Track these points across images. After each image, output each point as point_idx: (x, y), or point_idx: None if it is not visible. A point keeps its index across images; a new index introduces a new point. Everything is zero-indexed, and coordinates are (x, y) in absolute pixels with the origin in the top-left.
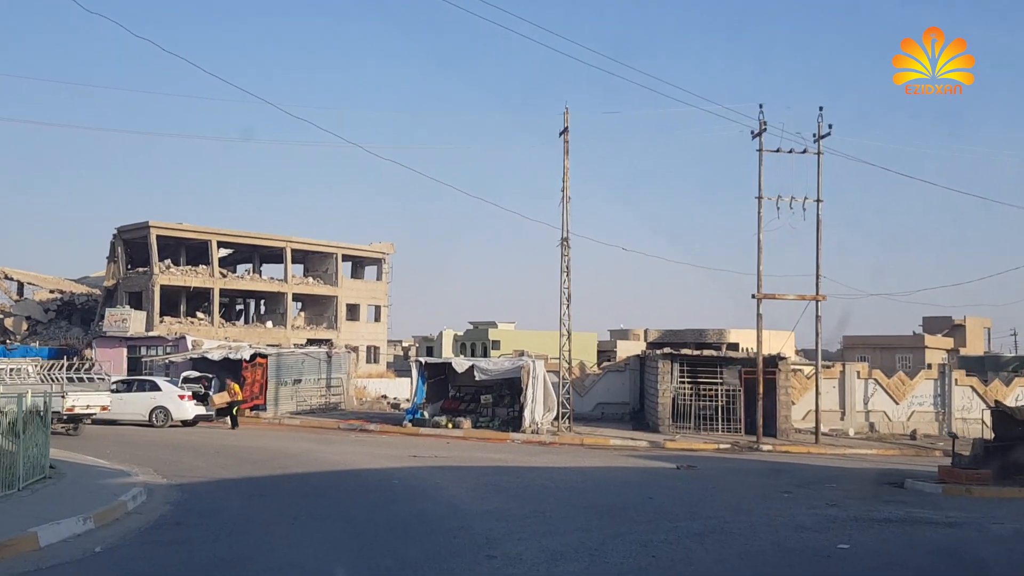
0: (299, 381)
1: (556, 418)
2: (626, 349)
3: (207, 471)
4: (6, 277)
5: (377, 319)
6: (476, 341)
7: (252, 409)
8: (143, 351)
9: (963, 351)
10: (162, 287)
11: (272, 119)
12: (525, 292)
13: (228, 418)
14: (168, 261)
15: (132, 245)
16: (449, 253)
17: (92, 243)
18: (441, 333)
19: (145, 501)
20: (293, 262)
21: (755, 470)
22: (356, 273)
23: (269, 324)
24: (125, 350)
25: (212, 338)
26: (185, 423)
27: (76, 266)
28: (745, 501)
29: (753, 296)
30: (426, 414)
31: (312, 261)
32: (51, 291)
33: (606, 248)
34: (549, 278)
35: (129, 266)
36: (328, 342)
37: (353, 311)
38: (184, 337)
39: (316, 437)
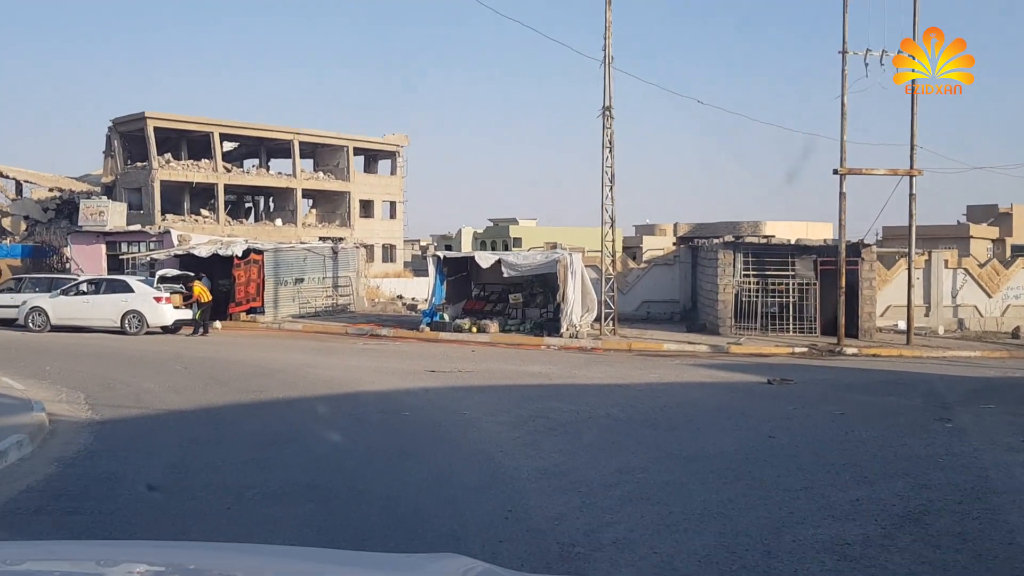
0: (301, 280)
1: (597, 319)
2: (652, 245)
3: (155, 397)
4: (2, 175)
5: (392, 216)
6: (497, 239)
7: (248, 312)
8: (124, 248)
9: (1010, 240)
10: (163, 183)
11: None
12: (547, 188)
13: (193, 325)
14: (168, 155)
15: (129, 139)
16: (466, 146)
17: (93, 140)
18: (460, 231)
19: (29, 455)
20: (302, 156)
21: (863, 383)
22: (369, 167)
23: (279, 222)
24: (104, 247)
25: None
26: (165, 330)
27: (77, 164)
28: (910, 438)
29: (835, 171)
30: (446, 316)
31: (322, 155)
32: (50, 189)
33: (632, 137)
34: (572, 171)
35: (129, 162)
36: (340, 240)
37: (367, 208)
38: (168, 232)
39: (317, 345)
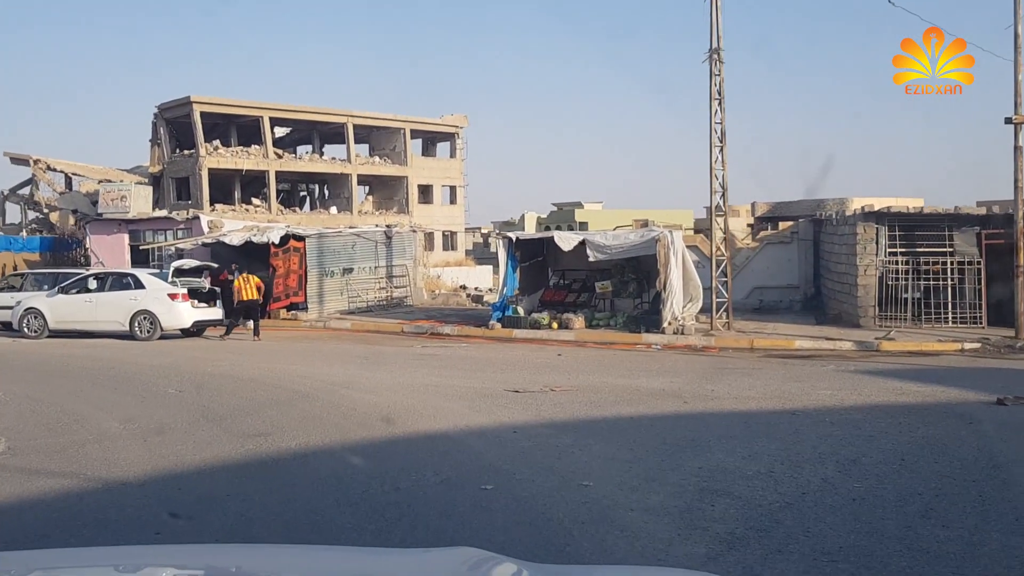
0: (350, 271)
1: (702, 310)
2: (731, 228)
3: (106, 449)
4: (49, 168)
5: (453, 201)
6: (562, 223)
7: (289, 309)
8: (148, 237)
9: None
10: (211, 171)
11: None
12: (611, 170)
13: (224, 325)
14: (217, 142)
15: (176, 126)
16: (527, 127)
17: (143, 130)
18: (523, 216)
19: None
20: (357, 141)
21: None
22: (427, 151)
23: (333, 210)
24: (126, 236)
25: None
26: (185, 333)
27: (128, 155)
28: None
29: (1008, 120)
30: (520, 310)
31: (377, 139)
32: (99, 182)
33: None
34: (636, 152)
35: (177, 150)
36: (394, 225)
37: (426, 193)
38: (198, 218)
39: (364, 351)
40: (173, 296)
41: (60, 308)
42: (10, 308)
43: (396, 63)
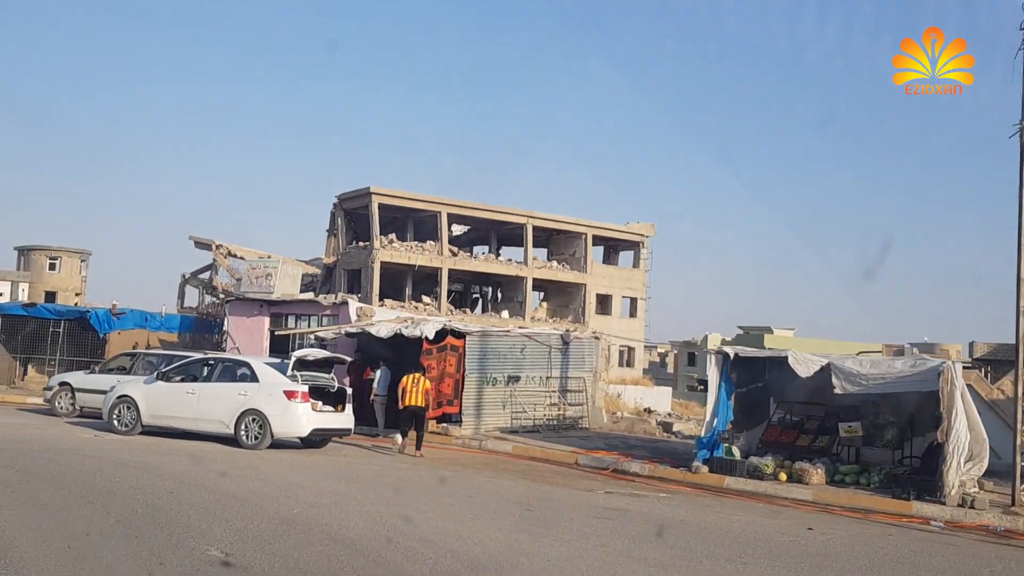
0: (516, 380)
1: (988, 474)
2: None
3: None
4: (230, 254)
5: (633, 314)
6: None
7: (439, 420)
8: (290, 322)
9: None
10: (384, 265)
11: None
12: (803, 295)
13: (399, 436)
14: (393, 236)
15: (354, 217)
16: (713, 241)
17: (322, 222)
18: (706, 337)
19: None
20: (535, 245)
21: None
22: (608, 258)
23: (505, 314)
24: (267, 319)
25: None
26: (306, 443)
27: (309, 247)
28: None
29: None
30: (736, 451)
31: (557, 243)
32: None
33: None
34: (829, 279)
35: (354, 242)
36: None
37: (604, 303)
38: (346, 303)
39: (529, 492)
40: (290, 394)
41: (157, 399)
42: (101, 392)
43: (582, 165)
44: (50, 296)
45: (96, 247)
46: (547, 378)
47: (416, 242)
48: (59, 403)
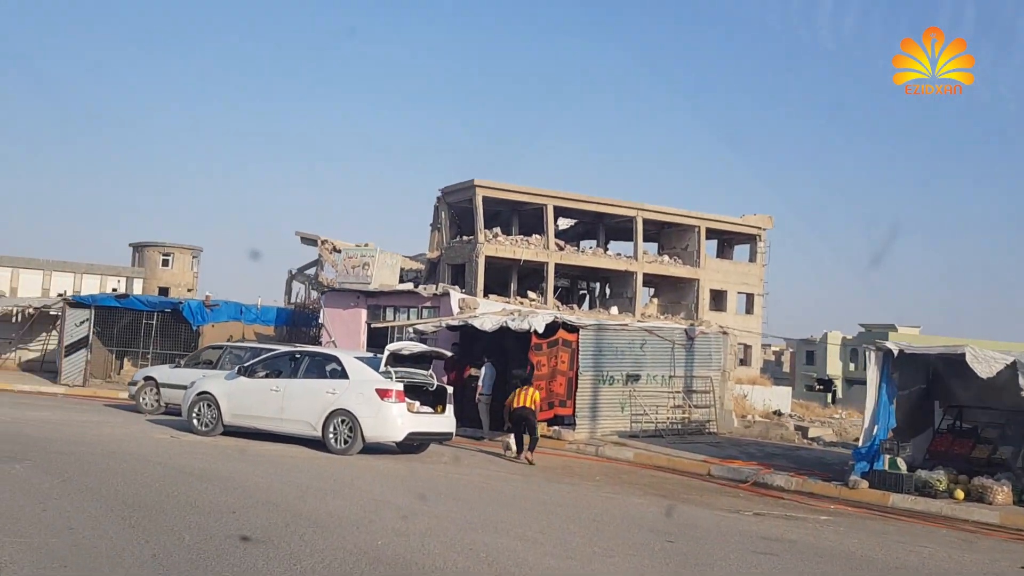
0: (636, 379)
1: None
2: None
3: None
4: (335, 250)
5: (749, 311)
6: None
7: (550, 423)
8: (388, 315)
9: None
10: (488, 260)
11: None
12: (928, 291)
13: (512, 440)
14: (497, 230)
15: (458, 211)
16: (837, 234)
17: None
18: (825, 335)
19: None
20: (645, 239)
21: None
22: (722, 252)
23: (614, 310)
24: (363, 311)
25: None
26: (400, 447)
27: (413, 242)
28: None
29: None
30: (901, 463)
31: (668, 237)
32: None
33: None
34: (958, 273)
35: (458, 237)
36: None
37: (718, 299)
38: (447, 294)
39: (660, 512)
40: (383, 393)
41: (239, 396)
42: (182, 387)
43: (693, 155)
44: (163, 291)
45: (207, 244)
46: (670, 377)
47: (521, 236)
48: (143, 399)
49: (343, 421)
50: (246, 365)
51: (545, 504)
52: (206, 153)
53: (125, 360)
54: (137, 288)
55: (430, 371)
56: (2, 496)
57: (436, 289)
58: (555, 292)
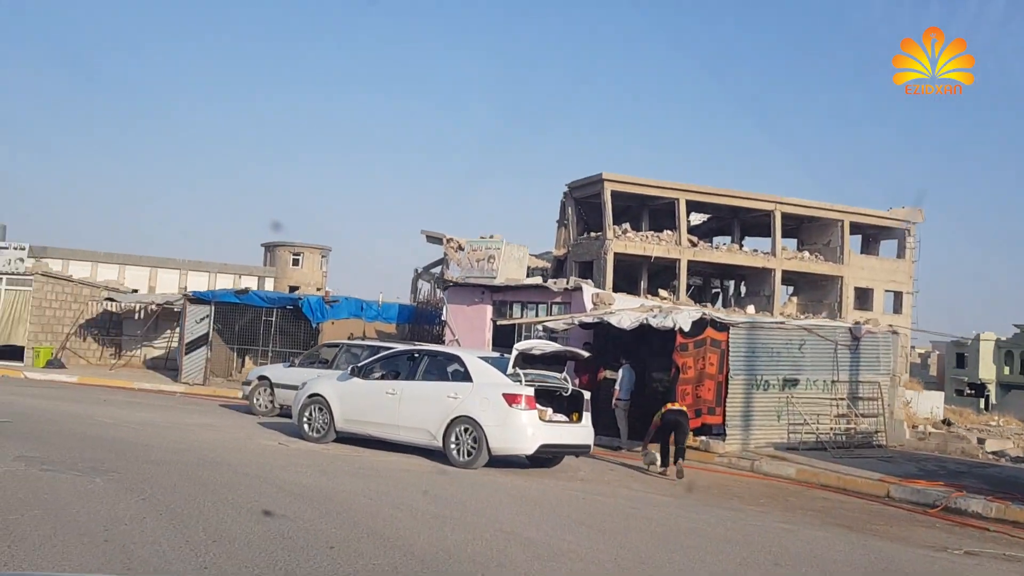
0: (793, 383)
1: None
2: None
3: None
4: (460, 248)
5: (897, 310)
6: None
7: (696, 433)
8: (515, 311)
9: None
10: (617, 257)
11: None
12: None
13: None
14: (627, 225)
15: (585, 206)
16: (989, 231)
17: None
18: (977, 336)
19: None
20: (784, 235)
21: None
22: (867, 248)
23: (750, 309)
24: (489, 308)
25: None
26: (531, 459)
27: (538, 240)
28: None
29: None
30: None
31: (808, 232)
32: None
33: None
34: None
35: (586, 233)
36: (864, 323)
37: (863, 297)
38: (579, 289)
39: (854, 554)
40: (511, 399)
41: (352, 399)
42: (294, 387)
43: (833, 145)
44: (292, 290)
45: (336, 244)
46: (832, 382)
47: (651, 232)
48: (256, 400)
49: (466, 430)
50: (360, 365)
51: (709, 539)
52: (336, 153)
53: (247, 358)
54: (268, 288)
55: (564, 374)
56: (66, 521)
57: (567, 283)
58: (687, 290)
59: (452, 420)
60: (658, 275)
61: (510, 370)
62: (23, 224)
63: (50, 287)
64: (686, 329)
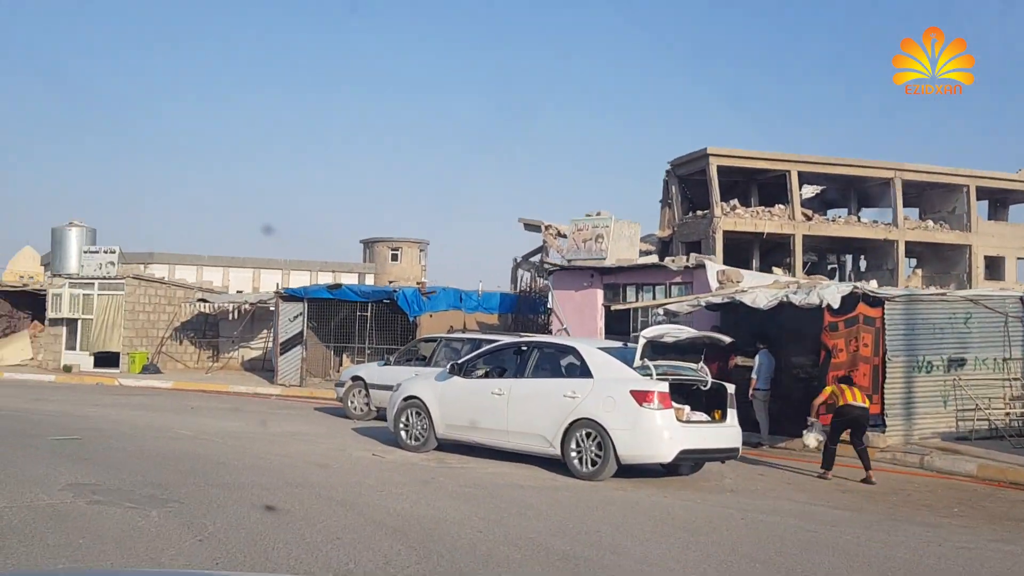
0: (960, 363)
1: None
2: None
3: None
4: (559, 235)
5: None
6: None
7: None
8: (629, 294)
9: None
10: (726, 235)
11: None
12: None
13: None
14: (735, 202)
15: (689, 184)
16: None
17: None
18: None
19: None
20: (904, 204)
21: None
22: (995, 214)
23: (873, 283)
24: (599, 292)
25: None
26: (667, 469)
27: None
28: None
29: None
30: None
31: (930, 199)
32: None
33: None
34: None
35: (690, 212)
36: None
37: (994, 267)
38: (702, 266)
39: None
40: (642, 397)
41: (453, 401)
42: (389, 387)
43: (949, 106)
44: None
45: (433, 236)
46: (1004, 360)
47: (762, 207)
48: (351, 402)
49: (588, 435)
50: (461, 362)
51: (927, 572)
52: (429, 147)
53: (343, 356)
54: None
55: (700, 364)
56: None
57: (687, 260)
58: (804, 267)
59: (571, 423)
60: (770, 253)
61: (637, 362)
62: (128, 230)
63: (142, 290)
64: (835, 306)
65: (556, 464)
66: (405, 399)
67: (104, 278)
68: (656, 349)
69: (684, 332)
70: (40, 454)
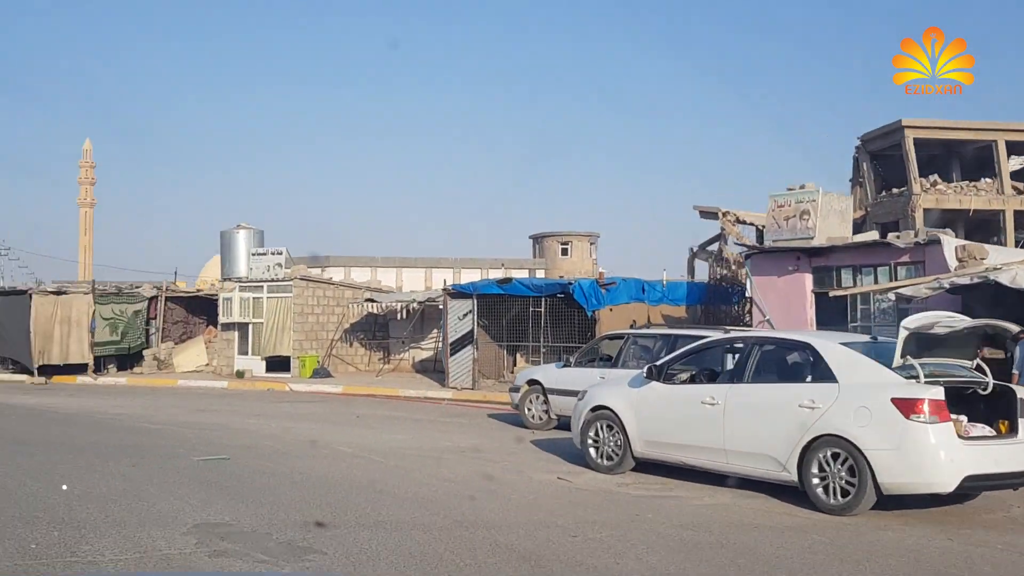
0: None
1: None
2: None
3: None
4: (739, 221)
5: None
6: None
7: None
8: (844, 278)
9: None
10: (926, 212)
11: None
12: None
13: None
14: (934, 177)
15: (881, 160)
16: None
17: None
18: None
19: None
20: None
21: None
22: None
23: None
24: (808, 277)
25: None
26: (940, 500)
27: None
28: None
29: None
30: None
31: None
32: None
33: None
34: None
35: (884, 191)
36: None
37: None
38: (937, 241)
39: None
40: (908, 407)
41: (652, 412)
42: (572, 393)
43: None
44: None
45: (605, 229)
46: None
47: (966, 182)
48: (528, 409)
49: (836, 456)
50: (658, 364)
51: None
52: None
53: (517, 355)
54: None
55: (977, 361)
56: None
57: (917, 236)
58: (1017, 245)
59: (811, 441)
60: (974, 232)
61: (898, 360)
62: (306, 234)
63: (310, 292)
64: None
65: (790, 492)
66: (593, 409)
67: (272, 280)
68: (923, 343)
69: (961, 321)
70: (179, 480)
